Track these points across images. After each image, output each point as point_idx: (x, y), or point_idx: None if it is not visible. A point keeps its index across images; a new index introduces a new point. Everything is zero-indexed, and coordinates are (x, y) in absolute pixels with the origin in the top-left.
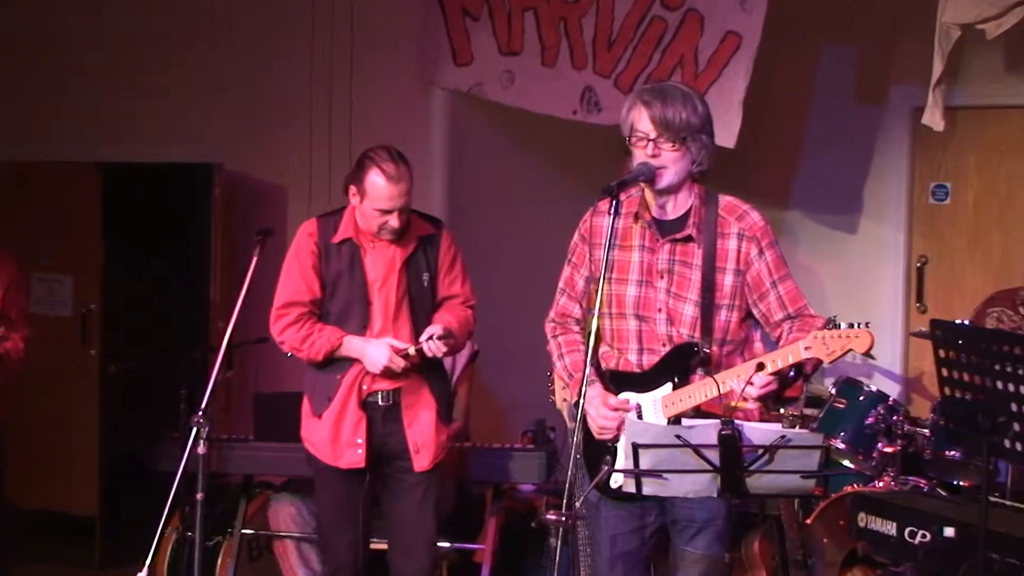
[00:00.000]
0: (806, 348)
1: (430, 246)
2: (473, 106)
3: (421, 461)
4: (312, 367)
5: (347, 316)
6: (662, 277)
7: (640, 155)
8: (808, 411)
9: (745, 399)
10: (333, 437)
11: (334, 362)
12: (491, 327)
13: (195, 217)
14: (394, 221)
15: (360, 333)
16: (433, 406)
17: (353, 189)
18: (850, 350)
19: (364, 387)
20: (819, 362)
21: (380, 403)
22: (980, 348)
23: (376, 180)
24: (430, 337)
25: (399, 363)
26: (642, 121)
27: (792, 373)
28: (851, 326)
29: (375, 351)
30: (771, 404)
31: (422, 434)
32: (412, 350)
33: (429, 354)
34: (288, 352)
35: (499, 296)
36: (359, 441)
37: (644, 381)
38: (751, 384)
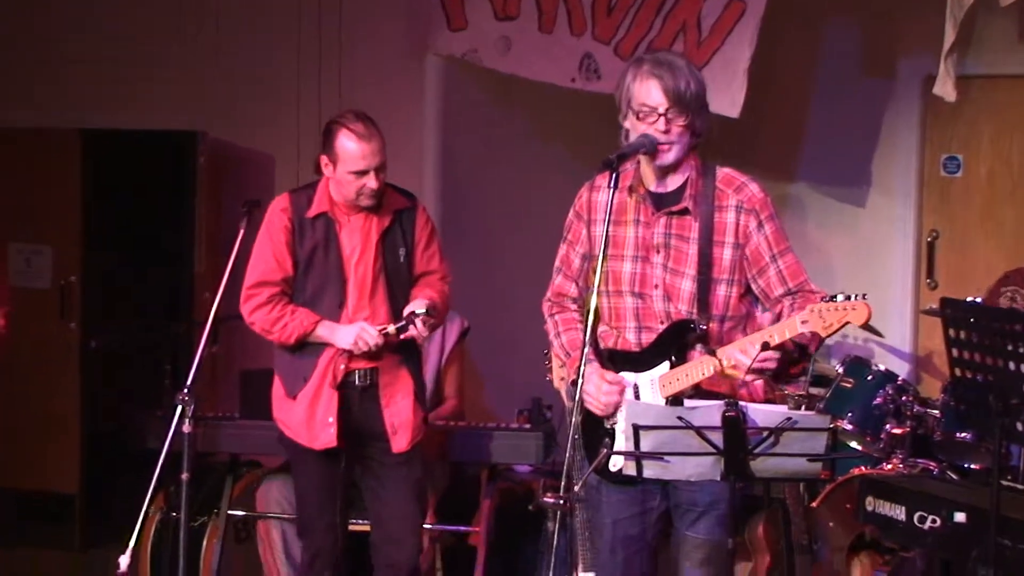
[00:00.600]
0: (803, 322)
1: (406, 220)
2: (467, 73)
3: (399, 442)
4: (284, 349)
5: (322, 293)
6: (658, 252)
7: (645, 128)
8: (814, 391)
9: (736, 367)
10: (308, 418)
11: (307, 345)
12: (486, 304)
13: (179, 186)
14: (372, 182)
15: (336, 310)
16: (411, 387)
17: (324, 159)
18: (847, 323)
19: (342, 367)
20: (820, 338)
21: (357, 383)
22: (992, 328)
23: (346, 142)
24: (412, 313)
25: (369, 340)
26: (652, 94)
27: (796, 353)
28: (848, 298)
29: (344, 333)
30: (773, 383)
31: (399, 415)
32: (392, 328)
33: (415, 334)
34: (259, 333)
35: (494, 272)
36: (330, 420)
37: (641, 360)
38: (743, 353)
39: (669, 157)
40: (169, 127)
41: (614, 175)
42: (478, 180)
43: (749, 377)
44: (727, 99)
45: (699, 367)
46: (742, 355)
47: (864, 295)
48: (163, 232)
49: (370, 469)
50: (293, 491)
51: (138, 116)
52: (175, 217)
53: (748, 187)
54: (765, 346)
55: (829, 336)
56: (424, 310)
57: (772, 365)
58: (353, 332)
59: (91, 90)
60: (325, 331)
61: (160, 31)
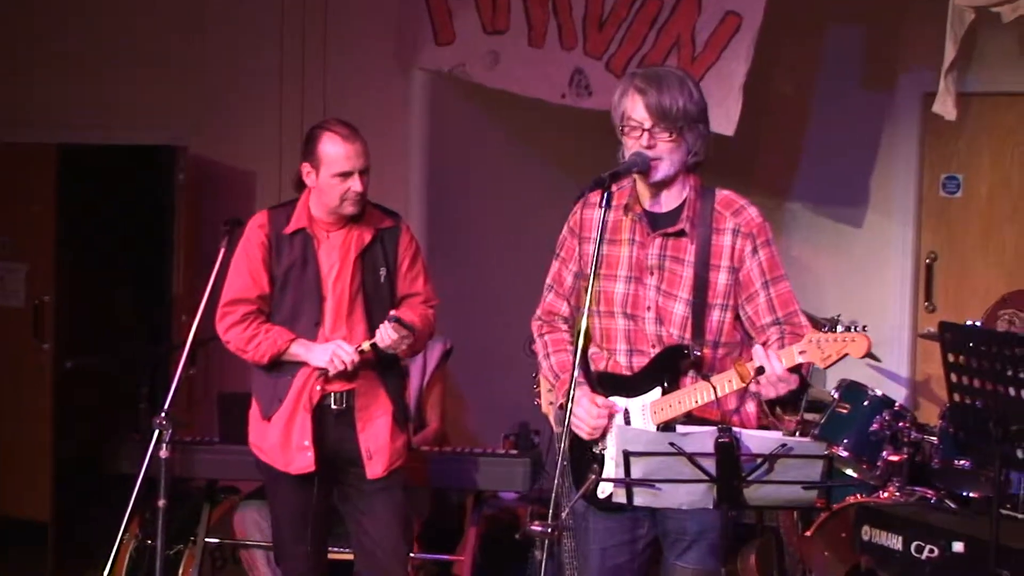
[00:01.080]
0: (800, 352)
1: (388, 240)
2: (455, 89)
3: (374, 468)
4: (260, 369)
5: (299, 312)
6: (652, 273)
7: (633, 145)
8: (809, 416)
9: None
10: (283, 442)
11: (283, 364)
12: (472, 323)
13: (158, 203)
14: (356, 185)
15: (312, 330)
16: (389, 410)
17: (306, 167)
18: (846, 355)
19: (318, 388)
20: (806, 376)
21: (333, 406)
22: (991, 352)
23: (329, 144)
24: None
25: (344, 357)
26: (636, 109)
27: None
28: (848, 329)
29: (320, 351)
30: (768, 409)
31: (376, 439)
32: (366, 345)
33: (382, 345)
34: (234, 352)
35: (480, 291)
36: (306, 443)
37: (632, 385)
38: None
39: (658, 174)
40: (148, 142)
41: (607, 193)
42: (465, 197)
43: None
44: (722, 115)
45: (692, 394)
46: (775, 363)
47: (864, 326)
48: (141, 251)
49: (347, 496)
50: (269, 516)
51: (116, 131)
52: (153, 235)
53: (747, 211)
54: (760, 371)
55: (825, 368)
56: (396, 318)
57: (783, 389)
58: (328, 350)
59: (68, 104)
60: (300, 349)
61: (140, 44)
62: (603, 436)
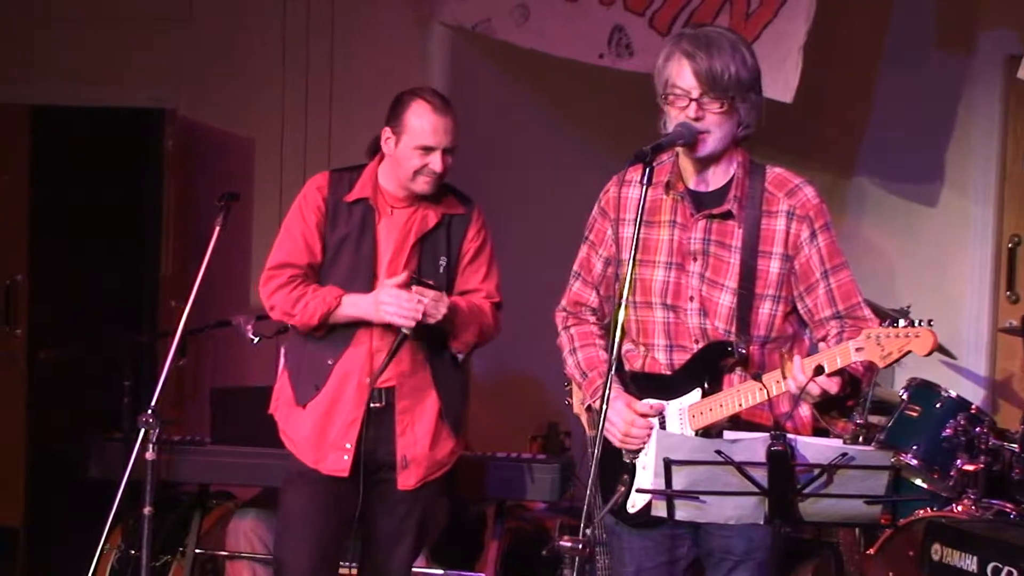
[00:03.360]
0: (857, 349)
1: (456, 227)
2: (479, 47)
3: (407, 478)
4: (296, 345)
5: (347, 289)
6: (695, 259)
7: (678, 115)
8: (874, 419)
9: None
10: (318, 436)
11: (329, 338)
12: None
13: (144, 174)
14: (436, 163)
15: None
16: (435, 411)
17: (387, 132)
18: (908, 352)
19: (367, 381)
20: (874, 371)
21: (371, 404)
22: None
23: (419, 112)
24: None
25: (390, 302)
26: (683, 76)
27: (846, 389)
28: (911, 323)
29: (367, 304)
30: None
31: (414, 446)
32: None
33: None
34: (280, 319)
35: (506, 275)
36: (348, 446)
37: (670, 386)
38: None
39: (706, 148)
40: (133, 104)
41: (648, 169)
42: (489, 170)
43: (803, 408)
44: (780, 81)
45: (737, 396)
46: (790, 382)
47: (930, 321)
48: (126, 226)
49: (367, 502)
50: (268, 526)
51: (97, 91)
52: (140, 209)
53: (802, 190)
54: (819, 370)
55: (887, 366)
56: (415, 279)
57: (834, 389)
58: (373, 299)
59: (43, 60)
60: (351, 308)
61: None
62: (638, 446)
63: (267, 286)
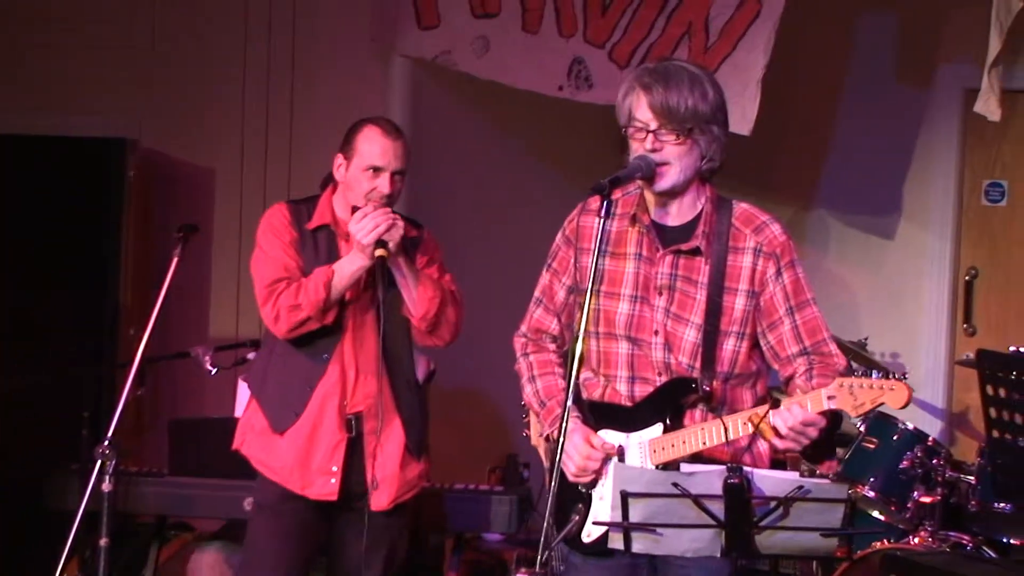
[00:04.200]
0: (829, 397)
1: (410, 250)
2: (439, 79)
3: (379, 499)
4: (266, 374)
5: (320, 320)
6: (660, 294)
7: (638, 148)
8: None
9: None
10: (302, 461)
11: (305, 364)
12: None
13: (104, 203)
14: (384, 185)
15: (331, 344)
16: (401, 433)
17: (340, 158)
18: (882, 404)
19: (345, 403)
20: (834, 423)
21: (348, 432)
22: None
23: (370, 135)
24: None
25: (367, 221)
26: (641, 108)
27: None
28: (886, 376)
29: (351, 230)
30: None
31: (384, 467)
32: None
33: (361, 236)
34: (287, 324)
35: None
36: (334, 469)
37: (630, 418)
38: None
39: (664, 182)
40: (94, 134)
41: (607, 202)
42: (450, 200)
43: (789, 444)
44: (738, 112)
45: (699, 434)
46: (784, 415)
47: (904, 375)
48: (85, 256)
49: (339, 530)
50: (230, 561)
51: (58, 120)
52: (98, 239)
53: (769, 227)
54: (776, 404)
55: (856, 417)
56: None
57: (813, 433)
58: (354, 246)
59: (5, 89)
60: (345, 266)
61: (86, 23)
62: (591, 478)
63: (268, 301)
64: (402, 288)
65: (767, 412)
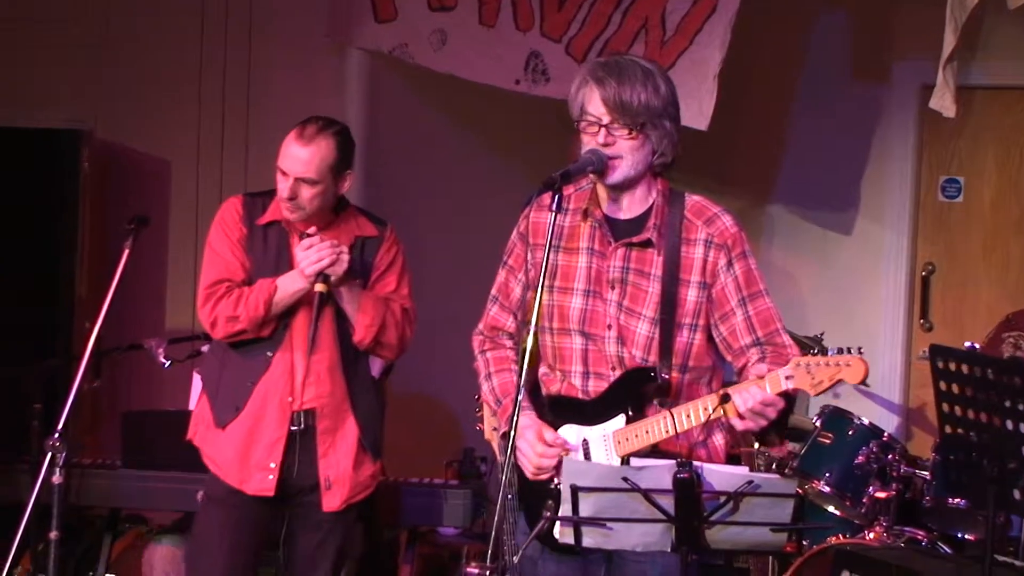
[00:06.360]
0: (787, 377)
1: (368, 249)
2: (396, 72)
3: (331, 500)
4: (214, 368)
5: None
6: (613, 287)
7: (589, 141)
8: (788, 446)
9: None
10: (241, 456)
11: (249, 359)
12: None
13: (59, 195)
14: (285, 189)
15: (281, 333)
16: (355, 434)
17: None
18: (840, 381)
19: (289, 399)
20: (790, 403)
21: (291, 427)
22: (987, 380)
23: (289, 136)
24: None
25: (312, 253)
26: (593, 102)
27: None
28: (840, 351)
29: (294, 273)
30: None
31: (336, 467)
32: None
33: (307, 266)
34: (224, 330)
35: (422, 300)
36: (272, 466)
37: (591, 411)
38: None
39: (616, 175)
40: (48, 125)
41: (557, 196)
42: (405, 194)
43: (748, 424)
44: (694, 107)
45: (659, 424)
46: (744, 396)
47: (860, 349)
48: (39, 247)
49: (291, 522)
50: (183, 554)
51: (10, 111)
52: (53, 231)
53: (720, 219)
54: (725, 398)
55: (816, 395)
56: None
57: (772, 413)
58: (297, 270)
59: None
60: (287, 284)
61: (41, 12)
62: (553, 475)
63: (206, 304)
64: (345, 311)
65: (724, 393)
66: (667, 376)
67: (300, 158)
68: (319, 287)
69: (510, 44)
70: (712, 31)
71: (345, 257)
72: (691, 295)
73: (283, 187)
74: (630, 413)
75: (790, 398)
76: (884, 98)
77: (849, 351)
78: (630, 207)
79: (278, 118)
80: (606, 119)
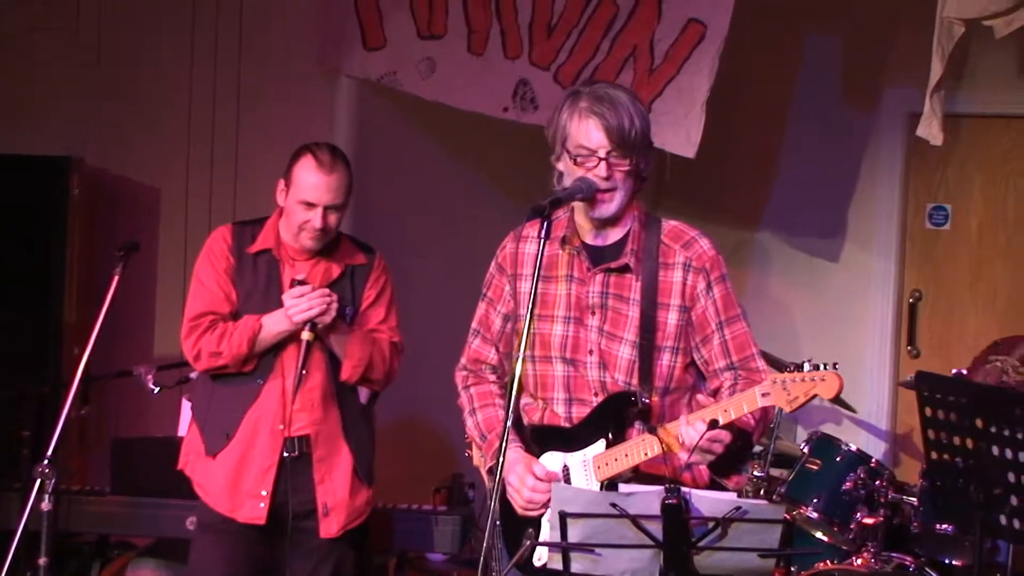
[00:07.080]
0: (763, 395)
1: (358, 277)
2: (385, 100)
3: (329, 526)
4: (203, 396)
5: None
6: (593, 313)
7: (578, 172)
8: (776, 472)
9: (682, 446)
10: (232, 484)
11: (239, 387)
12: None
13: (48, 221)
14: (316, 220)
15: (267, 367)
16: (349, 461)
17: (281, 183)
18: (815, 396)
19: (280, 427)
20: (764, 426)
21: (285, 453)
22: (972, 407)
23: (306, 166)
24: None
25: (300, 301)
26: (591, 135)
27: (737, 442)
28: (816, 367)
29: (279, 314)
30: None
31: (334, 493)
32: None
33: (296, 314)
34: (207, 364)
35: (410, 326)
36: (263, 493)
37: (572, 438)
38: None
39: (611, 207)
40: (38, 152)
41: (546, 224)
42: (395, 220)
43: (695, 458)
44: (682, 135)
45: (640, 446)
46: (689, 431)
47: (835, 364)
48: (28, 274)
49: (283, 552)
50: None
51: (3, 138)
52: (42, 257)
53: (698, 242)
54: (714, 424)
55: (792, 412)
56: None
57: (719, 448)
58: (283, 311)
59: None
60: (272, 325)
61: (31, 38)
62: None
63: (190, 337)
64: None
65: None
66: (647, 400)
67: (329, 187)
68: (306, 335)
69: (499, 72)
70: (700, 59)
71: (335, 306)
72: (671, 318)
73: (313, 218)
74: (610, 438)
75: (745, 434)
76: (873, 125)
77: (825, 367)
78: (610, 234)
79: (268, 146)
80: (604, 151)
